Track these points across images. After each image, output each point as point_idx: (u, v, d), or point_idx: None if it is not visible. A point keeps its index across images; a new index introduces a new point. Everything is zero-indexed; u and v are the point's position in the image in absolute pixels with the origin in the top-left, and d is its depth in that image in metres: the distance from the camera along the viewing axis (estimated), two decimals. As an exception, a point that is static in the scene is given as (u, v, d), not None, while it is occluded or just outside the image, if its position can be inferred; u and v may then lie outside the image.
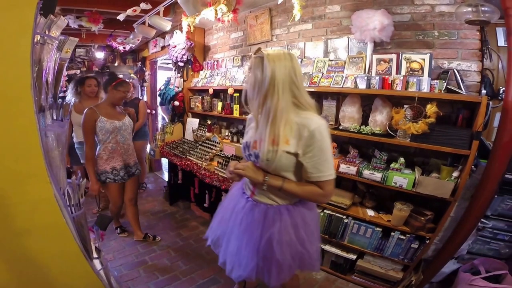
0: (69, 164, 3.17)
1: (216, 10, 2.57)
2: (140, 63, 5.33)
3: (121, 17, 3.08)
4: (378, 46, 2.11)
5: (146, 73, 4.93)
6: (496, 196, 1.83)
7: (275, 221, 1.17)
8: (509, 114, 1.49)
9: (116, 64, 5.56)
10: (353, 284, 2.16)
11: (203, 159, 2.83)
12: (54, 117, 1.14)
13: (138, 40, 4.12)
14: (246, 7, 2.96)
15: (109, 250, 2.51)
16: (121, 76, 2.88)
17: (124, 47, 4.36)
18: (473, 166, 1.65)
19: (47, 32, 1.02)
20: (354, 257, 2.11)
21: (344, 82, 2.10)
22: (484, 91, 1.73)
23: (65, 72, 3.91)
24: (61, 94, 2.93)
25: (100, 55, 5.22)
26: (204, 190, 2.85)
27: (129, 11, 2.95)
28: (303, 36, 2.62)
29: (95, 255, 1.17)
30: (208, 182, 2.54)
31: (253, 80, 1.09)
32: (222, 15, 2.58)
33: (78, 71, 5.28)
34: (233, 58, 3.30)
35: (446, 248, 1.84)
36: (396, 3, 2.03)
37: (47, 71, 1.04)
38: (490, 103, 1.62)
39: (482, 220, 1.85)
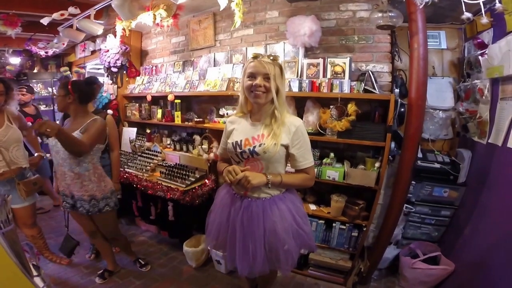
0: None
1: (154, 15, 2.81)
2: (65, 69, 5.34)
3: (45, 21, 3.08)
4: (309, 51, 2.58)
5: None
6: (415, 183, 2.39)
7: (273, 210, 1.46)
8: (413, 109, 2.00)
9: (35, 71, 5.45)
10: (311, 278, 2.52)
11: (144, 170, 3.01)
12: None
13: (64, 44, 4.18)
14: (189, 11, 3.24)
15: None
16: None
17: (46, 52, 4.39)
18: (390, 157, 2.16)
19: None
20: (305, 251, 2.44)
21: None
22: (397, 90, 2.26)
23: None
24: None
25: (15, 60, 5.10)
26: (148, 202, 3.00)
27: (56, 15, 3.00)
28: (245, 41, 3.00)
29: (34, 272, 1.25)
30: (151, 193, 2.73)
31: (274, 86, 1.39)
32: (161, 20, 2.82)
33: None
34: (174, 63, 3.58)
35: (382, 234, 2.29)
36: (325, 9, 2.52)
37: None
38: (399, 100, 2.17)
39: (406, 205, 2.36)
